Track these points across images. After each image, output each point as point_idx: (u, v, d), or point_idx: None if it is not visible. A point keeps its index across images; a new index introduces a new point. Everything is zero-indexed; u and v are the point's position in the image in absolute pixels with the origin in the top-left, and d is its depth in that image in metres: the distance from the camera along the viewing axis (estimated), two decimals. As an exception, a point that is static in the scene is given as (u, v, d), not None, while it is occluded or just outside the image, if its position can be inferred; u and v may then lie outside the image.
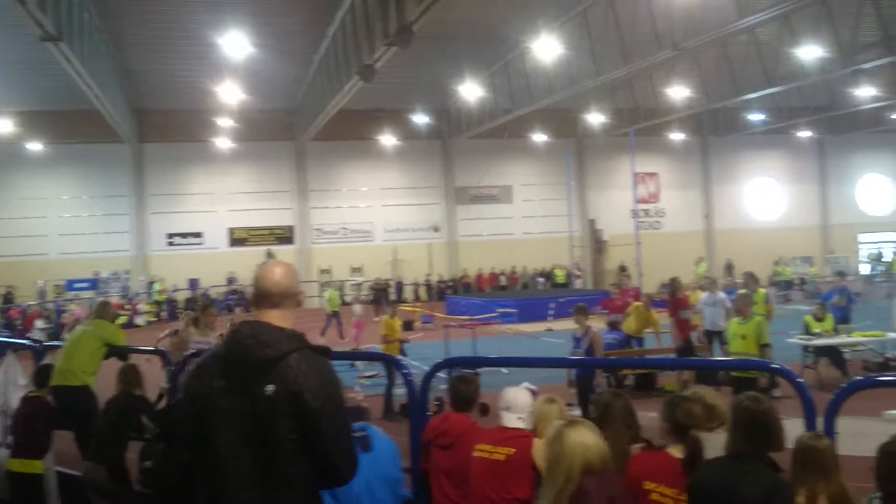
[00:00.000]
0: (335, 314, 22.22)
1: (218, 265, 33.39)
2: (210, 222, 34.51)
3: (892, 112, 34.85)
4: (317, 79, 27.91)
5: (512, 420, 4.41)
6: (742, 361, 9.36)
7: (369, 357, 8.92)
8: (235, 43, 21.33)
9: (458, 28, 24.39)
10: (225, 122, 31.69)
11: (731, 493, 3.32)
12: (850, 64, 23.80)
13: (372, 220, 36.39)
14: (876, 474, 3.03)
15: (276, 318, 2.96)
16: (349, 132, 33.96)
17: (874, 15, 21.92)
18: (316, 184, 35.66)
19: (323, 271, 34.96)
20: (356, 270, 35.10)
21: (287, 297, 3.01)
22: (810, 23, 23.28)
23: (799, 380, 4.23)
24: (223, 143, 33.58)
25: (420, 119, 33.84)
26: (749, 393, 3.68)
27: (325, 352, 3.01)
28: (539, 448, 4.12)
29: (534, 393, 4.73)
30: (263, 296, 3.00)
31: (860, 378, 5.08)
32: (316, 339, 16.57)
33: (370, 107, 32.26)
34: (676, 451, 3.68)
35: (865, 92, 29.18)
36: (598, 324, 11.43)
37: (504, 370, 11.90)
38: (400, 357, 8.53)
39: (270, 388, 2.77)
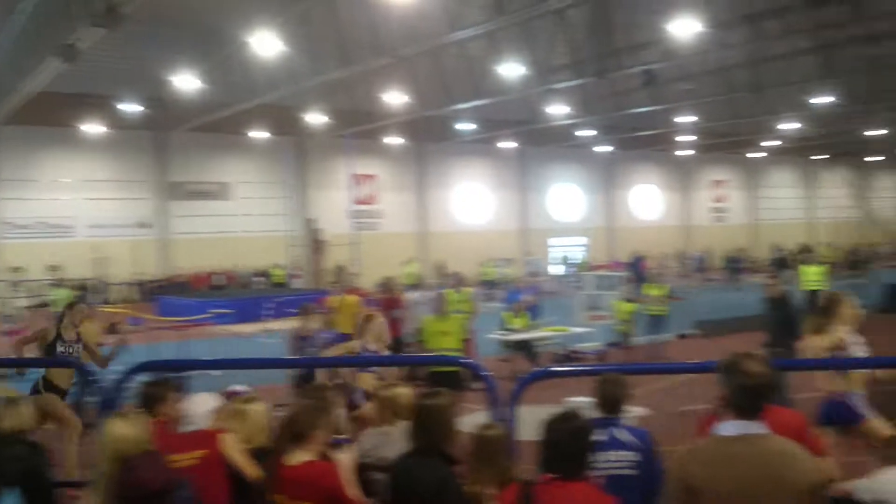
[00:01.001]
0: None
1: None
2: None
3: (579, 129, 38.92)
4: (10, 55, 25.08)
5: (191, 426, 4.31)
6: (433, 357, 9.82)
7: (55, 364, 8.22)
8: None
9: (174, 14, 23.32)
10: None
11: (409, 486, 3.56)
12: (545, 83, 26.33)
13: (73, 214, 33.48)
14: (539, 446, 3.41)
15: None
16: (49, 117, 30.83)
17: (565, 41, 24.40)
18: (8, 173, 32.01)
19: (15, 269, 31.48)
20: (54, 269, 32.03)
21: None
22: (513, 42, 25.32)
23: (484, 373, 4.63)
24: None
25: (131, 108, 31.66)
26: (428, 390, 3.96)
27: None
28: (230, 443, 4.13)
29: (232, 395, 4.71)
30: None
31: (538, 369, 5.64)
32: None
33: (74, 91, 29.61)
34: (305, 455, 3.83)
35: (558, 109, 32.34)
36: (314, 323, 11.49)
37: (216, 372, 11.58)
38: (89, 363, 7.97)
39: None
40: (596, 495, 3.27)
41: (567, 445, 3.25)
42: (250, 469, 4.09)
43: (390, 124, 35.01)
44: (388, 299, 13.92)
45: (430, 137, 40.71)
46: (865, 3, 18.47)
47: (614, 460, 3.99)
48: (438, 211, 42.71)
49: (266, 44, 22.45)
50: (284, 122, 35.69)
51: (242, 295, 30.03)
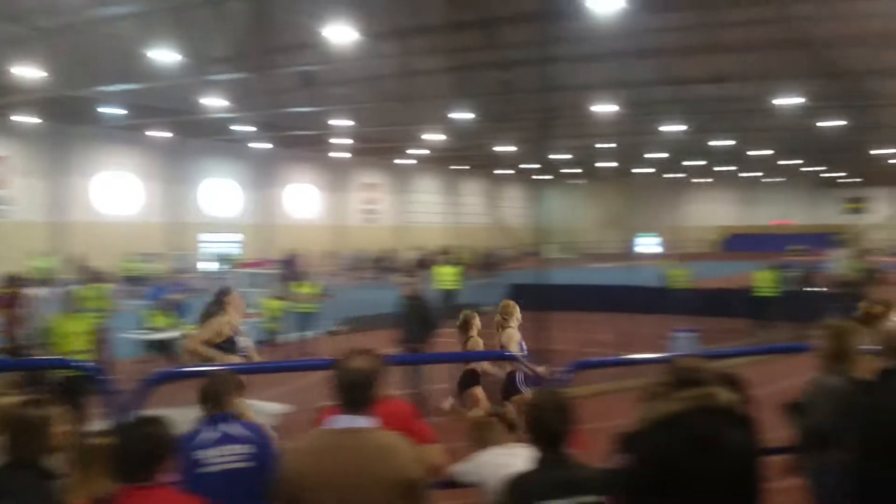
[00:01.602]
0: None
1: None
2: None
3: (236, 123, 38.29)
4: None
5: None
6: (47, 360, 9.23)
7: None
8: None
9: None
10: None
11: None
12: (202, 74, 25.53)
13: None
14: None
15: None
16: None
17: (223, 33, 23.91)
18: None
19: None
20: None
21: None
22: (168, 28, 24.17)
23: (101, 377, 4.41)
24: None
25: None
26: (28, 398, 3.68)
27: None
28: None
29: None
30: None
31: (162, 370, 5.50)
32: None
33: None
34: None
35: (215, 102, 31.49)
36: None
37: None
38: None
39: None
40: (177, 499, 3.28)
41: (139, 451, 3.22)
42: None
43: (21, 101, 31.32)
44: (9, 296, 12.57)
45: (71, 119, 37.18)
46: (498, 32, 20.68)
47: (227, 455, 4.06)
48: (79, 200, 39.21)
49: None
50: None
51: None
